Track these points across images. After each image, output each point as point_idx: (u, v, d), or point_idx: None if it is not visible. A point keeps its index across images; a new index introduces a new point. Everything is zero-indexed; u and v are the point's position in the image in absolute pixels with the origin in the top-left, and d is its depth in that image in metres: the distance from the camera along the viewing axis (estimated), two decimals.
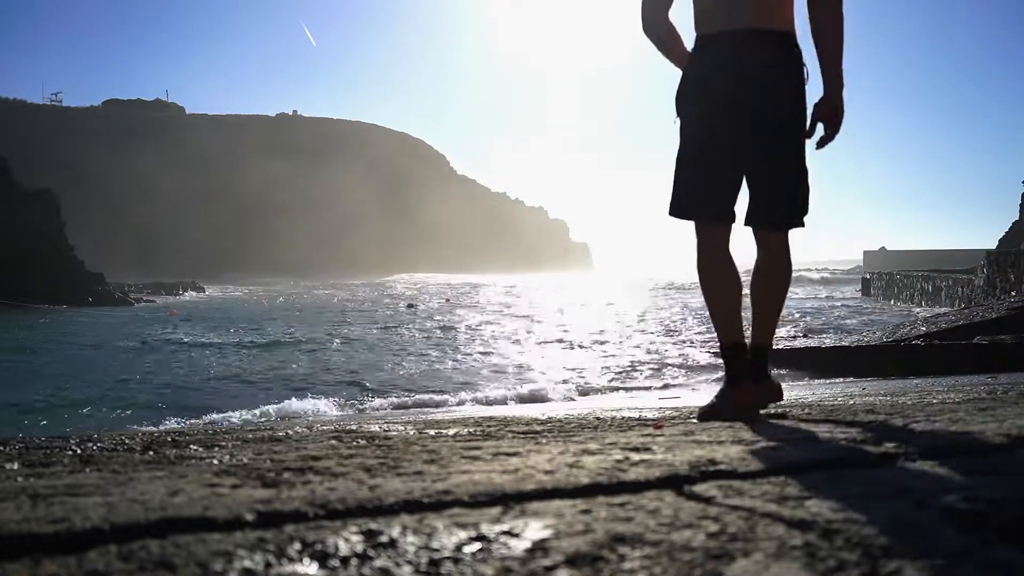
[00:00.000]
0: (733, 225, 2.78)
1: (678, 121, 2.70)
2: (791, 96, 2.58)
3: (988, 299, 21.72)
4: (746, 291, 2.82)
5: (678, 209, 2.74)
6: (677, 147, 2.71)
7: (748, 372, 2.77)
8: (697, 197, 2.69)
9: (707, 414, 2.81)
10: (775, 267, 2.82)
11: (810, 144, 2.67)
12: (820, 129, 2.66)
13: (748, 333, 2.86)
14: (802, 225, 2.77)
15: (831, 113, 2.63)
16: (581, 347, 18.64)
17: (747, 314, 2.87)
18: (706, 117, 2.61)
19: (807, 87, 2.63)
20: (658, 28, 2.77)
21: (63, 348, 21.39)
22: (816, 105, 2.65)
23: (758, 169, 2.66)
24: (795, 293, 51.88)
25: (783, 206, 2.69)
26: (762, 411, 3.03)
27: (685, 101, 2.68)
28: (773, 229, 2.76)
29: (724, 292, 2.76)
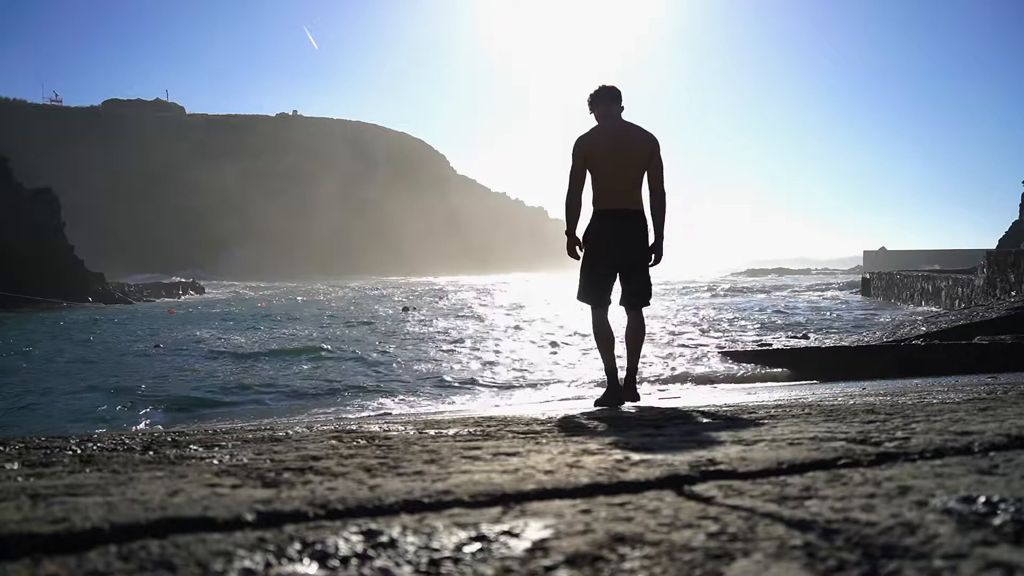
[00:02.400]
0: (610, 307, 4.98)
1: (582, 252, 4.85)
2: (642, 244, 4.83)
3: (988, 299, 21.72)
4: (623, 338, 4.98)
5: (582, 298, 4.94)
6: (581, 262, 4.87)
7: (619, 387, 4.86)
8: (591, 296, 4.89)
9: (598, 402, 4.91)
10: (639, 329, 4.96)
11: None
12: (652, 258, 4.88)
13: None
14: (648, 305, 4.94)
15: (657, 253, 4.88)
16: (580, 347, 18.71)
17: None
18: (599, 255, 4.81)
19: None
20: (576, 203, 4.79)
21: (66, 347, 21.40)
22: (651, 247, 4.84)
23: (629, 276, 4.84)
24: (794, 293, 51.91)
25: (641, 298, 4.88)
26: (758, 414, 3.20)
27: (588, 241, 4.82)
28: (634, 309, 4.91)
29: (606, 341, 4.93)
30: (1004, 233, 50.53)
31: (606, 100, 4.84)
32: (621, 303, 4.88)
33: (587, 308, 4.94)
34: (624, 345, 4.97)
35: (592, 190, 4.78)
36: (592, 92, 4.89)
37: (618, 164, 4.71)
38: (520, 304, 42.24)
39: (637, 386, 4.99)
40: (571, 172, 4.79)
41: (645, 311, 4.99)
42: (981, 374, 7.62)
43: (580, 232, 4.84)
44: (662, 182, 4.80)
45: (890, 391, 5.23)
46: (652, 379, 11.83)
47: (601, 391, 5.13)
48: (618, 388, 4.84)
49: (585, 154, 4.73)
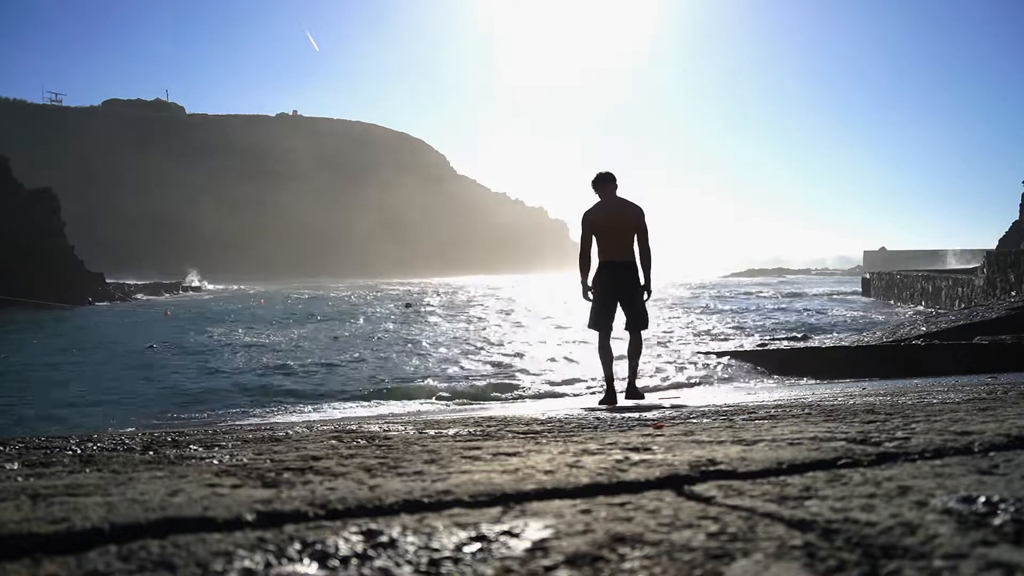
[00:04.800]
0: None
1: (592, 293, 6.38)
2: (636, 285, 6.36)
3: (988, 299, 21.71)
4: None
5: (591, 326, 6.45)
6: (591, 303, 6.39)
7: (615, 392, 6.30)
8: (597, 324, 6.39)
9: (601, 402, 6.21)
10: (637, 345, 6.47)
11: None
12: (646, 295, 6.41)
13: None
14: (646, 328, 6.48)
15: (647, 291, 6.39)
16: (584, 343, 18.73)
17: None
18: (604, 293, 6.34)
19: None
20: (587, 260, 6.41)
21: (70, 347, 21.40)
22: (643, 287, 6.36)
23: (629, 308, 6.34)
24: (794, 294, 51.90)
25: (639, 323, 6.40)
26: (758, 414, 3.20)
27: (596, 286, 6.36)
28: (635, 331, 6.41)
29: (606, 357, 6.40)
30: (1004, 233, 50.53)
31: (604, 183, 6.45)
32: (626, 328, 6.38)
33: (595, 333, 6.45)
34: (626, 359, 6.46)
35: (596, 248, 6.42)
36: (594, 178, 6.50)
37: (614, 231, 6.33)
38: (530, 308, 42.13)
39: (640, 388, 6.46)
40: (581, 238, 6.46)
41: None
42: (981, 374, 7.62)
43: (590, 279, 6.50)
44: (647, 242, 6.40)
45: (890, 391, 5.23)
46: (653, 380, 11.84)
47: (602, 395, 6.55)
48: (614, 392, 6.32)
49: (591, 224, 6.40)
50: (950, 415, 2.59)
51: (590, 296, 6.39)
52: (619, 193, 6.51)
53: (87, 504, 1.37)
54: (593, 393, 10.45)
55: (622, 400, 6.23)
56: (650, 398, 6.98)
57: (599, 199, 6.47)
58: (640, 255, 6.38)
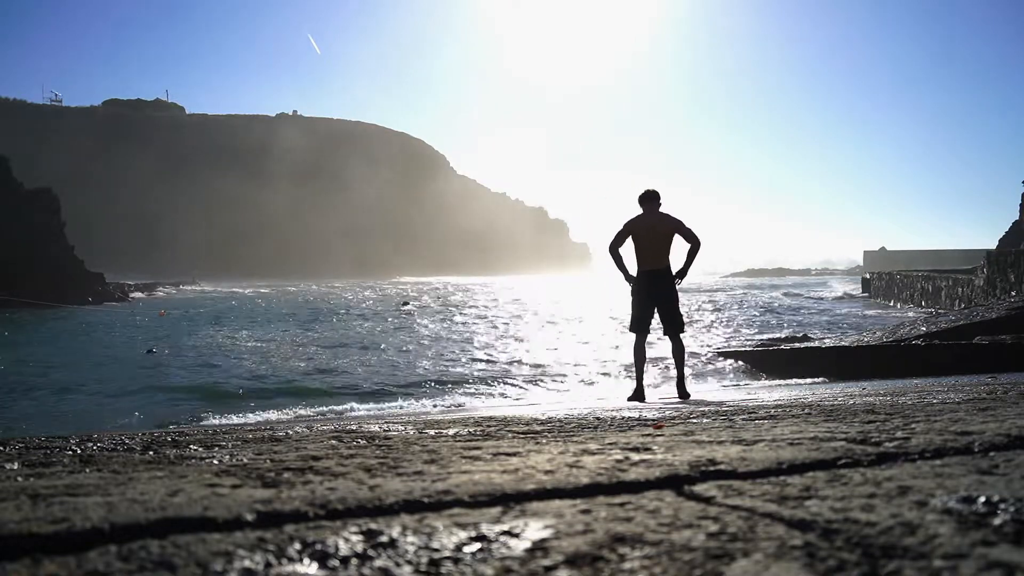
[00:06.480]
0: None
1: (631, 298, 6.95)
2: (672, 289, 6.91)
3: (988, 299, 21.70)
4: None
5: (631, 329, 7.06)
6: (631, 308, 7.00)
7: (643, 393, 6.91)
8: (636, 327, 6.98)
9: (629, 399, 6.75)
10: (679, 348, 7.02)
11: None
12: (679, 280, 6.96)
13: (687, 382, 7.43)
14: (684, 332, 7.07)
15: (682, 274, 6.95)
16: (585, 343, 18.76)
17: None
18: (641, 299, 6.91)
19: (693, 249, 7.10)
20: (616, 253, 6.97)
21: (75, 348, 21.39)
22: (678, 272, 6.94)
23: (665, 314, 6.89)
24: (794, 294, 51.88)
25: (676, 327, 6.94)
26: (758, 414, 3.21)
27: (634, 293, 6.94)
28: (674, 335, 6.96)
29: (639, 358, 7.04)
30: (1004, 233, 50.57)
31: (650, 200, 7.03)
32: (664, 333, 7.07)
33: (632, 335, 7.03)
34: (663, 362, 7.48)
35: (635, 256, 6.97)
36: (640, 194, 7.06)
37: (651, 241, 6.89)
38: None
39: (685, 385, 7.04)
40: (616, 233, 6.99)
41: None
42: (981, 374, 7.62)
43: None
44: (694, 235, 6.93)
45: (890, 391, 5.23)
46: (654, 379, 11.84)
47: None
48: (643, 390, 6.94)
49: (629, 230, 6.95)
50: (950, 415, 2.59)
51: (632, 284, 6.98)
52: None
53: (87, 504, 1.37)
54: (563, 397, 10.44)
55: (651, 396, 6.82)
56: (650, 397, 7.00)
57: (641, 212, 6.98)
58: (689, 244, 6.94)
